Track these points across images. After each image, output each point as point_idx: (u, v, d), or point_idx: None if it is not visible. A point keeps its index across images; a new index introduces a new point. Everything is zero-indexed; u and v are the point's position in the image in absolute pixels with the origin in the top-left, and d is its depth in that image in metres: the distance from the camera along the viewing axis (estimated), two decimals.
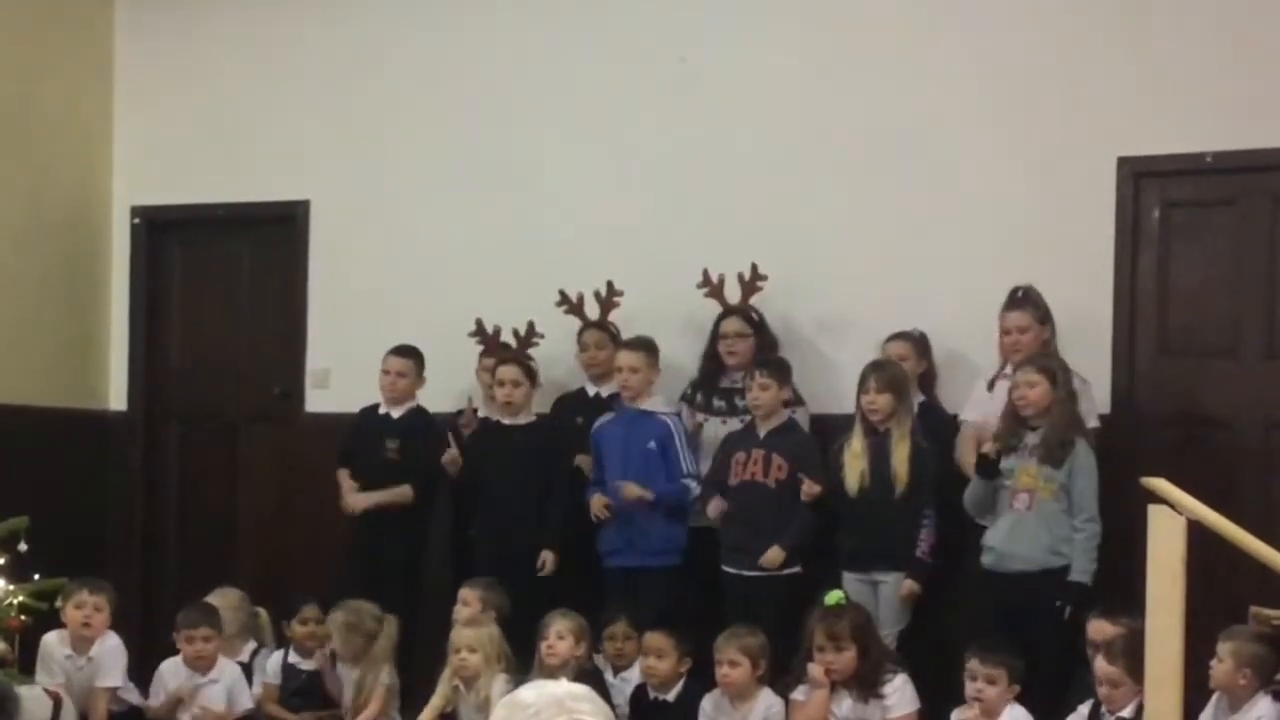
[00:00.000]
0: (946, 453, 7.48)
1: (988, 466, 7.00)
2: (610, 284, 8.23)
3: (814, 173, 8.25)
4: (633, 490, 7.67)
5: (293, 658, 7.81)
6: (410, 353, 8.37)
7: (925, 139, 8.03)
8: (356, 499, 8.23)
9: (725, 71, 8.47)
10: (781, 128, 8.33)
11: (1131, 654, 6.01)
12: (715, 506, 7.57)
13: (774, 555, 7.34)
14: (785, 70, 8.35)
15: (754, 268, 7.96)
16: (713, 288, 8.04)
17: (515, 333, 8.43)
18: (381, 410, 8.40)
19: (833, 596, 6.85)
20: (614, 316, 8.28)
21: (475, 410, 8.42)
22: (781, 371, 7.62)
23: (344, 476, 8.36)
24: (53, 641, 7.38)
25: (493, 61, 8.97)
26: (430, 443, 8.26)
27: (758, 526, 7.44)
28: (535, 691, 2.81)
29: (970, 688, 6.49)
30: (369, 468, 8.29)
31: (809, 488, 7.33)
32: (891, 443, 7.24)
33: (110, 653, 7.43)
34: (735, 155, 8.41)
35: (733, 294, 8.04)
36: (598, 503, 7.79)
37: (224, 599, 7.88)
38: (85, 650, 7.37)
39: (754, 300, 8.02)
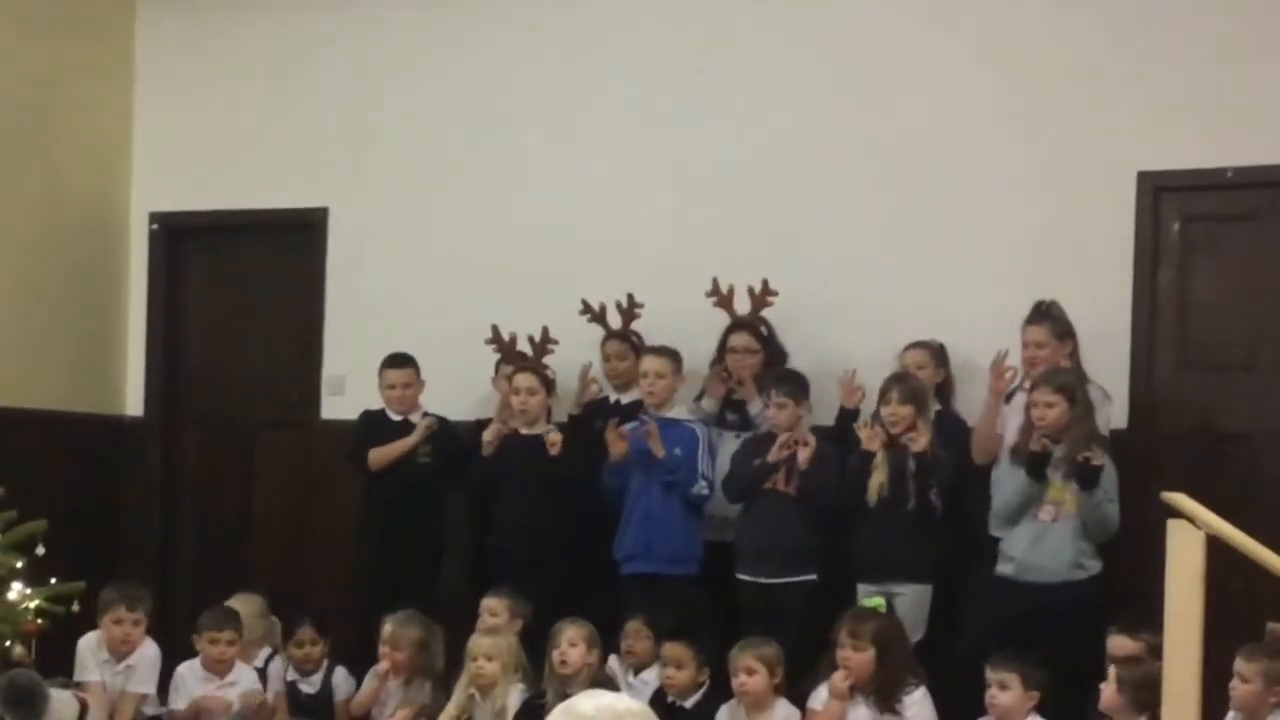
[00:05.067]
0: (962, 460, 7.48)
1: (1039, 465, 6.99)
2: (631, 296, 8.24)
3: (832, 185, 8.26)
4: (654, 433, 7.62)
5: (292, 675, 7.82)
6: (407, 361, 8.40)
7: (947, 154, 8.04)
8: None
9: (742, 83, 8.49)
10: (800, 140, 8.34)
11: (1138, 686, 5.97)
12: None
13: None
14: (803, 83, 8.36)
15: (765, 283, 7.96)
16: (721, 298, 8.05)
17: (530, 340, 8.44)
18: (396, 418, 8.41)
19: (871, 600, 6.89)
20: (634, 326, 8.29)
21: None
22: (798, 388, 7.63)
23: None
24: (91, 644, 7.40)
25: (510, 71, 8.98)
26: (456, 440, 8.33)
27: (776, 536, 7.46)
28: (593, 704, 2.81)
29: (987, 695, 6.50)
30: (398, 474, 8.29)
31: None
32: (909, 454, 7.26)
33: (147, 661, 7.46)
34: (752, 166, 8.41)
35: (742, 305, 8.05)
36: (615, 437, 7.76)
37: (247, 605, 7.89)
38: (122, 658, 7.40)
39: (772, 312, 8.03)
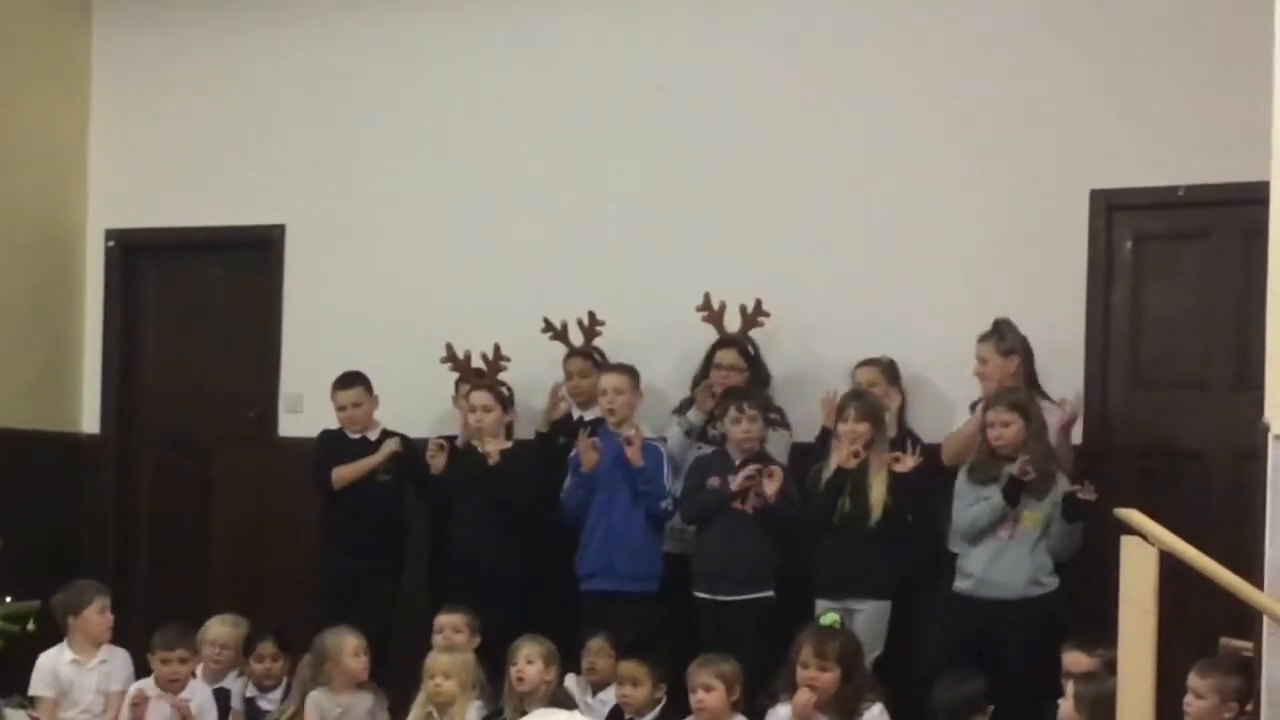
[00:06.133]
0: (918, 478, 7.52)
1: (1017, 491, 7.03)
2: (592, 313, 8.26)
3: (791, 203, 8.31)
4: (635, 443, 7.65)
5: (251, 692, 7.76)
6: (355, 380, 8.39)
7: (901, 171, 8.10)
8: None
9: (702, 102, 8.53)
10: (758, 159, 8.38)
11: (1096, 702, 6.00)
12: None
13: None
14: (762, 102, 8.40)
15: (758, 302, 7.97)
16: (711, 313, 8.05)
17: (484, 356, 8.44)
18: (354, 436, 8.41)
19: (828, 618, 6.89)
20: (595, 343, 8.31)
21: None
22: (763, 404, 7.67)
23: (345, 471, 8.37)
24: (51, 656, 7.41)
25: (471, 88, 9.00)
26: (417, 458, 8.31)
27: (733, 553, 7.47)
28: None
29: None
30: (357, 491, 8.28)
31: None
32: (870, 472, 7.30)
33: (122, 658, 7.51)
34: (711, 185, 8.46)
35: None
36: (587, 446, 7.74)
37: (236, 628, 7.87)
38: (90, 658, 7.42)
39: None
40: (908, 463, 7.31)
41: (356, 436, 8.40)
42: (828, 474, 7.41)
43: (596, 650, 7.36)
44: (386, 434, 8.42)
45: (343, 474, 8.31)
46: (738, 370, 7.91)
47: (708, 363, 8.00)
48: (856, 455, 7.32)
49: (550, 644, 7.12)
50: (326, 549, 8.45)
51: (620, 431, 7.80)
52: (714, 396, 7.96)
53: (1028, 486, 7.03)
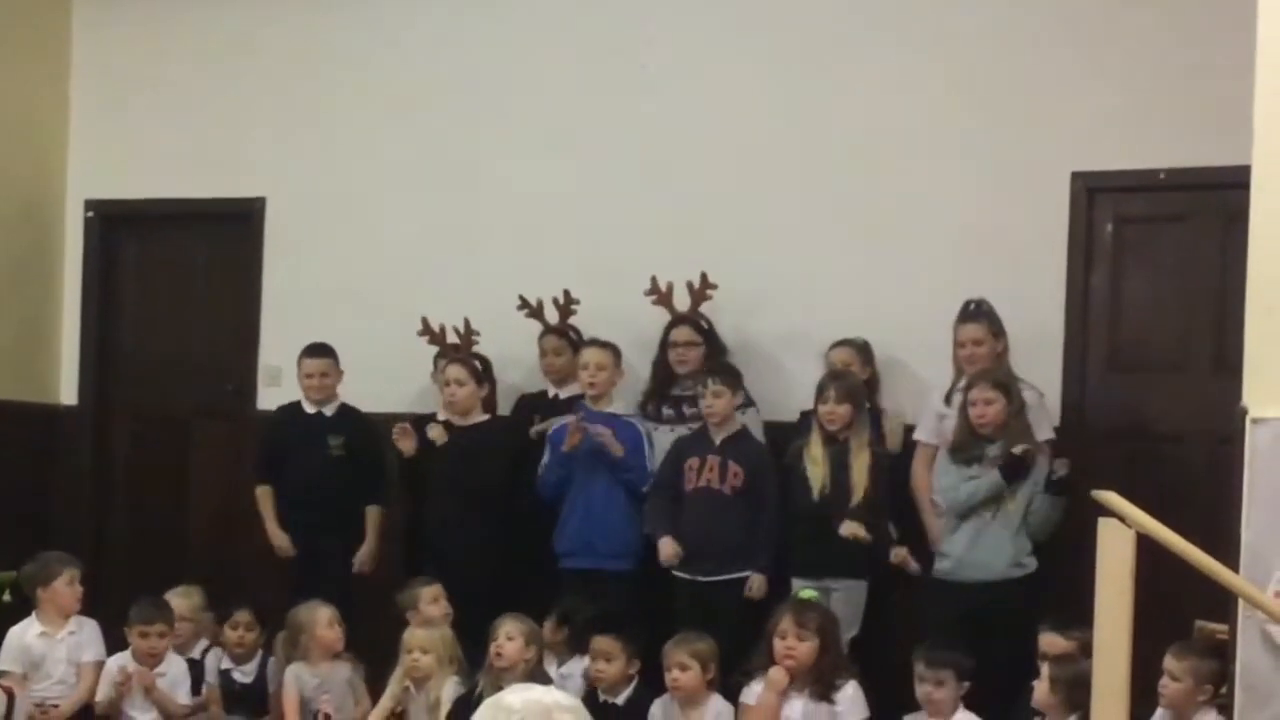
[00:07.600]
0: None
1: (1018, 469, 7.05)
2: (567, 292, 8.25)
3: (770, 182, 8.30)
4: (607, 435, 7.64)
5: (226, 663, 7.77)
6: (325, 350, 8.38)
7: (882, 152, 8.09)
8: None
9: (684, 80, 8.52)
10: (739, 138, 8.37)
11: (1071, 684, 6.02)
12: (668, 547, 7.53)
13: (757, 582, 7.40)
14: (743, 81, 8.39)
15: (704, 276, 7.98)
16: (661, 295, 8.06)
17: (456, 331, 8.43)
18: (310, 409, 8.38)
19: (806, 593, 6.93)
20: (571, 322, 8.30)
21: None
22: (733, 378, 7.67)
23: (267, 502, 8.40)
24: (17, 631, 7.41)
25: (452, 62, 8.98)
26: (371, 436, 8.32)
27: (712, 534, 7.48)
28: (521, 698, 2.81)
29: (920, 690, 6.57)
30: (311, 466, 8.27)
31: (851, 529, 7.27)
32: (850, 452, 7.31)
33: (92, 627, 7.50)
34: (691, 163, 8.44)
35: (681, 302, 8.05)
36: (576, 428, 7.70)
37: (188, 598, 7.87)
38: (59, 629, 7.41)
39: (705, 308, 8.05)
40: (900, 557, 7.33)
41: (312, 411, 8.36)
42: (808, 457, 7.39)
43: (553, 627, 7.36)
44: (345, 409, 8.39)
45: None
46: (693, 345, 7.92)
47: (664, 344, 8.00)
48: (873, 476, 7.32)
49: (531, 622, 7.11)
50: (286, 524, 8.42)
51: (595, 408, 7.79)
52: (666, 368, 7.95)
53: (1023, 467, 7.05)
